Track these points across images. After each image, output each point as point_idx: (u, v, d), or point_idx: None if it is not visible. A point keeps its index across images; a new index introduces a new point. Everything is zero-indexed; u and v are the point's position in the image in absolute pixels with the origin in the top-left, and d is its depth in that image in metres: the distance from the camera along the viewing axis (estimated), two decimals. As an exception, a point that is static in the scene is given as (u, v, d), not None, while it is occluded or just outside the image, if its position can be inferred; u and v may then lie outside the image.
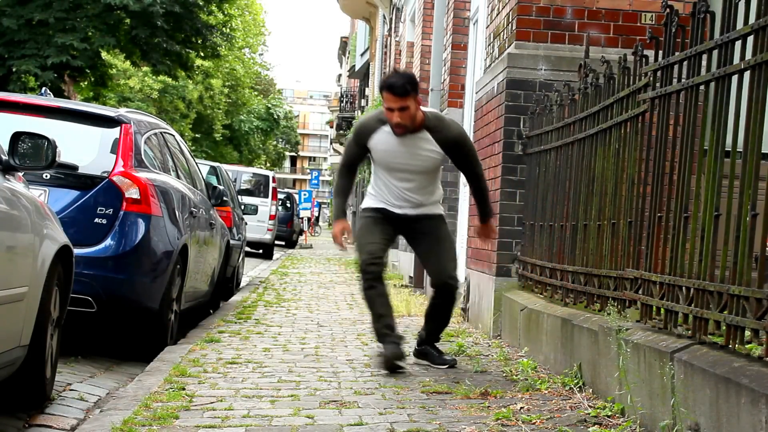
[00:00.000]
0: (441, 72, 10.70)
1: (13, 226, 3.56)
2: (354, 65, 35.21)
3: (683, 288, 3.52)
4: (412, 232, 5.31)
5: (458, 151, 5.13)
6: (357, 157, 5.23)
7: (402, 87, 4.85)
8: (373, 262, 5.04)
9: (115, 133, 5.95)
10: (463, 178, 9.70)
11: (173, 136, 7.42)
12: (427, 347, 5.38)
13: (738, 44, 3.21)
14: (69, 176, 5.63)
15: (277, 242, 24.46)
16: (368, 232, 5.16)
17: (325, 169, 74.55)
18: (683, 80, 3.73)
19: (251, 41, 47.33)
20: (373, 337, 6.51)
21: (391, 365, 4.96)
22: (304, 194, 34.45)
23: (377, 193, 5.26)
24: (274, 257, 21.40)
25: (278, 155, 62.17)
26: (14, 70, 20.01)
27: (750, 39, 3.10)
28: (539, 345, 5.27)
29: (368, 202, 5.30)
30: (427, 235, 5.26)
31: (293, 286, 11.41)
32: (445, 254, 5.23)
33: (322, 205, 56.40)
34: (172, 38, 22.06)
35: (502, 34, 6.94)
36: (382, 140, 5.05)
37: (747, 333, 3.03)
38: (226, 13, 26.48)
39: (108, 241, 5.59)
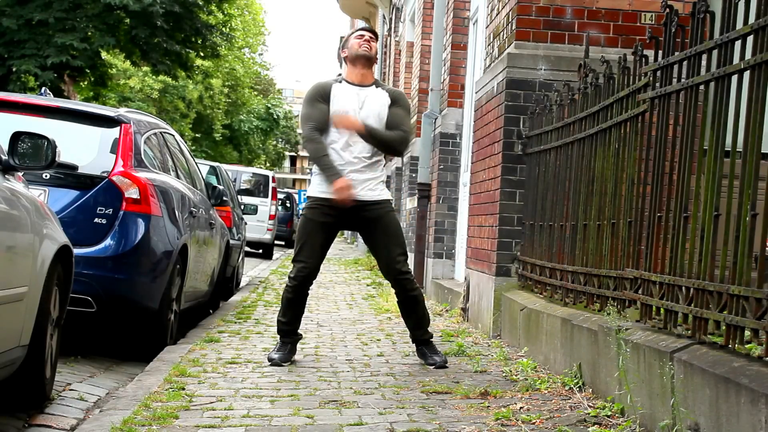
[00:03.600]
0: (441, 72, 10.69)
1: (13, 226, 3.56)
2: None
3: (683, 288, 3.52)
4: (359, 221, 5.30)
5: (398, 104, 5.33)
6: (321, 115, 5.22)
7: (374, 30, 5.47)
8: (306, 274, 5.25)
9: (114, 133, 5.95)
10: (463, 178, 9.72)
11: (173, 136, 7.42)
12: (422, 347, 5.38)
13: (738, 44, 3.21)
14: (69, 176, 5.63)
15: (276, 242, 24.47)
16: (310, 236, 5.23)
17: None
18: (683, 80, 3.73)
19: (251, 41, 47.33)
20: (372, 337, 6.52)
21: (275, 364, 5.18)
22: (304, 194, 34.44)
23: None
24: (274, 257, 21.41)
25: (278, 155, 62.16)
26: (14, 70, 20.01)
27: (750, 39, 3.10)
28: (539, 345, 5.27)
29: (315, 188, 5.29)
30: (375, 227, 5.27)
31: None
32: (394, 248, 5.27)
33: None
34: (172, 38, 22.05)
35: (501, 34, 6.94)
36: (341, 90, 5.27)
37: (747, 333, 3.03)
38: (225, 13, 26.49)
39: (108, 241, 5.59)
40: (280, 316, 5.36)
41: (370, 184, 5.22)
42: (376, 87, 5.35)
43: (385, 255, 5.29)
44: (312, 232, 5.24)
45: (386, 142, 5.25)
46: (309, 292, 5.41)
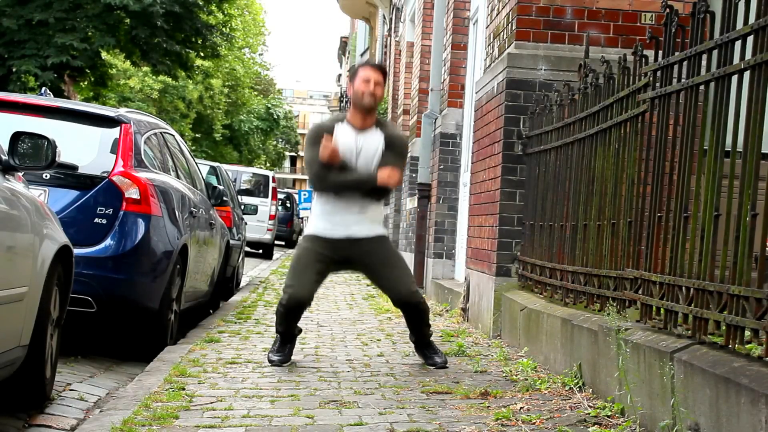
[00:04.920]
0: (441, 72, 10.69)
1: (13, 226, 3.56)
2: (354, 65, 35.19)
3: (683, 288, 3.52)
4: (357, 257, 5.23)
5: (393, 148, 5.23)
6: None
7: (382, 68, 5.33)
8: (296, 302, 5.15)
9: (115, 133, 5.95)
10: (463, 178, 9.72)
11: (173, 136, 7.42)
12: (423, 348, 5.38)
13: (738, 44, 3.21)
14: (69, 176, 5.63)
15: (277, 242, 24.48)
16: (305, 265, 5.17)
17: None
18: (683, 80, 3.73)
19: (251, 41, 47.32)
20: (372, 337, 6.53)
21: (275, 365, 5.17)
22: (304, 194, 34.47)
23: (322, 205, 5.23)
24: (274, 257, 21.42)
25: (278, 155, 62.17)
26: (14, 70, 20.00)
27: (750, 39, 3.10)
28: (539, 345, 5.27)
29: (311, 226, 5.28)
30: (374, 257, 5.21)
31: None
32: (397, 272, 5.25)
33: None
34: (172, 38, 22.04)
35: (502, 34, 6.95)
36: (341, 134, 5.18)
37: (747, 333, 3.03)
38: (226, 13, 26.47)
39: (108, 241, 5.59)
40: (277, 324, 5.31)
41: (366, 221, 5.19)
42: (376, 128, 5.24)
43: (392, 279, 5.23)
44: (307, 260, 5.18)
45: (352, 186, 5.15)
46: (293, 313, 5.24)
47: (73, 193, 5.62)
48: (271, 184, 21.50)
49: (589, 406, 3.99)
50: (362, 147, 5.18)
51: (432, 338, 5.44)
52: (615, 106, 4.63)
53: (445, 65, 10.57)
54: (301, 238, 5.42)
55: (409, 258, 11.80)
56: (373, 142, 5.21)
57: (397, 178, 5.18)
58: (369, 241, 5.21)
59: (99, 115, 6.09)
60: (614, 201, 4.57)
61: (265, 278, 12.88)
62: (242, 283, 12.05)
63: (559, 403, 4.10)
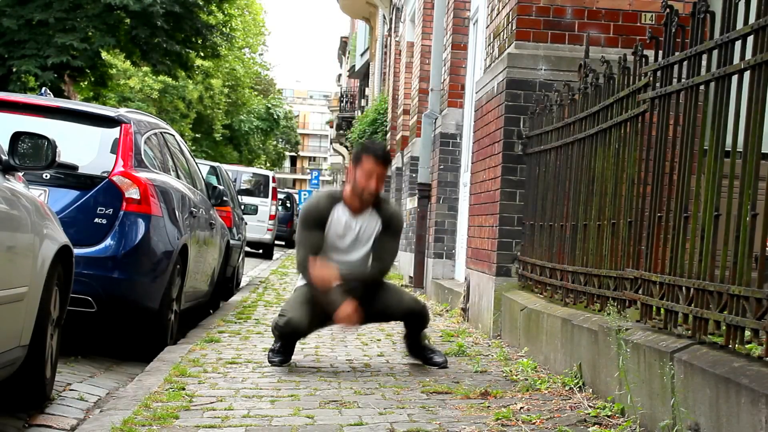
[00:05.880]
0: (441, 72, 10.70)
1: (13, 226, 3.56)
2: (354, 65, 35.23)
3: (683, 288, 3.52)
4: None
5: (389, 231, 5.20)
6: (317, 241, 5.08)
7: (386, 157, 5.14)
8: (292, 330, 5.09)
9: (115, 133, 5.95)
10: (463, 178, 9.72)
11: (173, 136, 7.42)
12: (419, 350, 5.37)
13: (738, 44, 3.21)
14: (69, 176, 5.63)
15: (277, 242, 24.48)
16: (305, 300, 5.12)
17: (325, 169, 74.74)
18: (683, 80, 3.73)
19: (251, 41, 47.30)
20: (372, 337, 6.53)
21: (275, 365, 5.14)
22: (304, 194, 34.50)
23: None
24: (274, 257, 21.42)
25: (278, 155, 62.17)
26: (14, 70, 19.99)
27: (750, 39, 3.10)
28: (539, 345, 5.27)
29: (304, 278, 5.25)
30: (367, 291, 5.17)
31: (293, 286, 11.40)
32: (394, 291, 5.27)
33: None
34: (172, 38, 22.03)
35: (502, 34, 6.95)
36: (337, 218, 5.12)
37: (747, 333, 3.03)
38: (226, 13, 26.45)
39: (108, 241, 5.59)
40: (277, 338, 5.26)
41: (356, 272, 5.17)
42: (374, 209, 5.15)
43: (393, 298, 5.23)
44: (307, 297, 5.13)
45: (361, 281, 5.17)
46: (288, 340, 5.23)
47: (73, 193, 5.62)
48: (271, 184, 21.51)
49: (589, 406, 3.99)
50: (358, 232, 5.14)
51: (427, 339, 5.44)
52: (615, 106, 4.63)
53: (445, 65, 10.57)
54: (297, 285, 5.39)
55: (409, 258, 11.80)
56: (370, 227, 5.16)
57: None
58: (363, 284, 5.20)
59: (99, 115, 6.09)
60: (614, 201, 4.57)
61: (265, 278, 12.89)
62: (242, 283, 12.05)
63: (559, 403, 4.10)
